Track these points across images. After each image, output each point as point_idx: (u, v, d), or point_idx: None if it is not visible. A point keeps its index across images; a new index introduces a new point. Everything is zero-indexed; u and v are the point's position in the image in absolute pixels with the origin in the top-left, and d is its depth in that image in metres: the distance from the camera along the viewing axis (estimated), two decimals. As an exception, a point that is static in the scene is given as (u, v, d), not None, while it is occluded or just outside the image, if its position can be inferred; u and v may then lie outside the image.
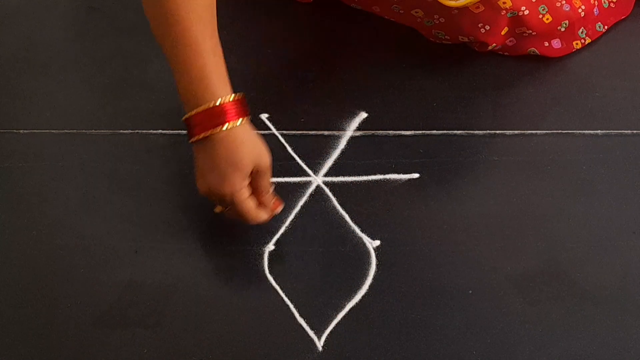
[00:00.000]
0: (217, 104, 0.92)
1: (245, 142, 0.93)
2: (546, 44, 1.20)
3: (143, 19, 1.16)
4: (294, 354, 0.92)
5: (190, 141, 0.94)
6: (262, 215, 0.97)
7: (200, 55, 0.93)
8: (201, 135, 0.93)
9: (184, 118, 0.94)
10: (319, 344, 0.93)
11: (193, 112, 0.93)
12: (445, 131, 1.13)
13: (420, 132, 1.13)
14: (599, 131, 1.13)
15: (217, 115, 0.92)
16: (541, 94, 1.18)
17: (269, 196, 0.98)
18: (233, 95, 0.93)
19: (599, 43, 1.24)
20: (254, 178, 0.95)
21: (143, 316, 0.95)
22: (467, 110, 1.15)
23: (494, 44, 1.18)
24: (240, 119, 0.93)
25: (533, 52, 1.20)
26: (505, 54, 1.21)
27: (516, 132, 1.13)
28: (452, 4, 1.10)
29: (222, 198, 0.94)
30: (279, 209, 1.00)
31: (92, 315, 0.95)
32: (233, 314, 0.95)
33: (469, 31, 1.16)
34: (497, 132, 1.13)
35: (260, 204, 0.97)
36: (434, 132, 1.13)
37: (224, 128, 0.92)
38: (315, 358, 0.92)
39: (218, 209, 1.00)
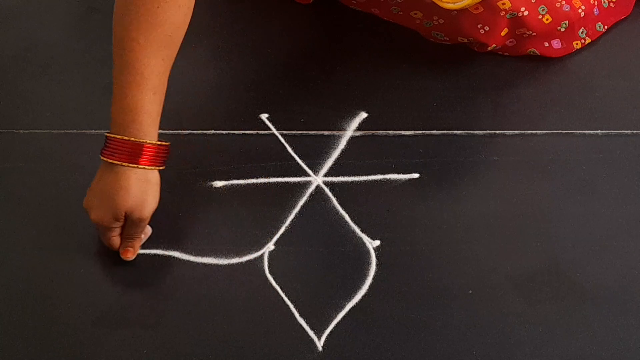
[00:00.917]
0: (140, 141, 0.94)
1: (131, 188, 0.95)
2: (546, 44, 1.20)
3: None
4: (294, 354, 0.92)
5: (101, 157, 0.96)
6: (115, 249, 0.99)
7: (140, 90, 0.94)
8: (109, 160, 0.95)
9: (107, 134, 0.96)
10: (319, 344, 0.93)
11: (115, 136, 0.95)
12: (445, 131, 1.13)
13: (420, 132, 1.13)
14: (599, 131, 1.13)
15: (133, 153, 0.94)
16: (541, 94, 1.18)
17: (130, 242, 0.99)
18: (156, 141, 0.96)
19: (599, 43, 1.24)
20: (126, 222, 0.97)
21: (143, 316, 0.95)
22: (467, 110, 1.15)
23: (494, 45, 1.18)
24: (150, 167, 0.96)
25: (533, 52, 1.20)
26: (505, 54, 1.21)
27: (516, 132, 1.13)
28: (451, 6, 1.10)
29: (93, 221, 0.98)
30: (127, 257, 0.99)
31: (92, 315, 0.95)
32: (233, 314, 0.95)
33: (468, 32, 1.16)
34: (497, 132, 1.13)
35: (121, 241, 0.99)
36: (434, 132, 1.13)
37: (131, 165, 0.95)
38: (315, 358, 0.92)
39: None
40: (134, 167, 0.95)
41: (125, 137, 0.94)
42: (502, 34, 1.16)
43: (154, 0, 0.94)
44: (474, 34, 1.16)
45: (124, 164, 0.95)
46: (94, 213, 0.97)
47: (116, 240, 0.99)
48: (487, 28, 1.15)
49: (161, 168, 0.98)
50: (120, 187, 0.95)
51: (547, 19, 1.17)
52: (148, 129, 0.95)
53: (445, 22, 1.17)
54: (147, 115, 0.95)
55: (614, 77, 1.20)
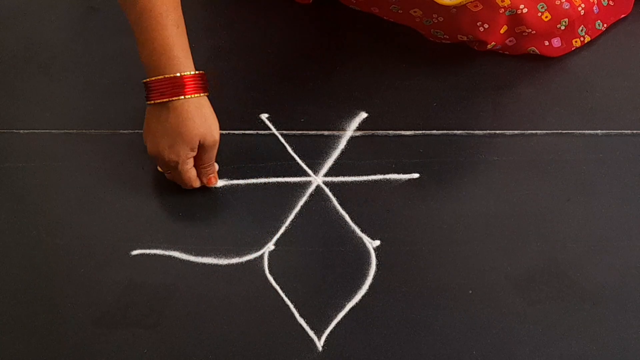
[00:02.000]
0: (178, 75, 0.98)
1: (195, 117, 1.00)
2: (546, 43, 1.20)
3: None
4: (294, 354, 0.92)
5: (147, 103, 1.01)
6: (197, 184, 1.04)
7: (164, 28, 0.98)
8: (159, 101, 0.99)
9: (144, 80, 1.00)
10: (319, 344, 0.93)
11: (154, 78, 0.99)
12: (445, 131, 1.13)
13: (420, 132, 1.13)
14: (599, 131, 1.13)
15: (177, 86, 0.99)
16: (541, 94, 1.18)
17: (210, 169, 1.05)
18: (194, 71, 1.00)
19: (599, 43, 1.24)
20: (199, 151, 1.02)
21: (143, 316, 0.95)
22: (467, 110, 1.15)
23: (493, 43, 1.18)
24: (197, 94, 1.00)
25: (533, 51, 1.20)
26: (505, 53, 1.21)
27: (516, 132, 1.13)
28: (449, 2, 1.10)
29: (167, 162, 1.01)
30: (213, 183, 1.05)
31: (92, 315, 0.95)
32: (233, 314, 0.95)
33: (467, 30, 1.16)
34: (497, 132, 1.13)
35: (200, 173, 1.04)
36: (434, 132, 1.13)
37: (181, 98, 0.99)
38: (315, 358, 0.92)
39: (160, 169, 1.06)
40: (188, 98, 0.99)
41: (168, 75, 0.98)
42: (502, 31, 1.16)
43: None
44: (473, 31, 1.16)
45: (174, 98, 0.99)
46: (170, 152, 1.00)
47: (194, 173, 1.03)
48: (486, 26, 1.15)
49: (207, 94, 1.02)
50: (186, 119, 0.99)
51: (546, 17, 1.17)
52: (185, 61, 1.00)
53: (445, 20, 1.17)
54: (180, 49, 0.99)
55: (614, 77, 1.20)
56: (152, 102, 1.00)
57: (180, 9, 1.01)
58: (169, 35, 0.98)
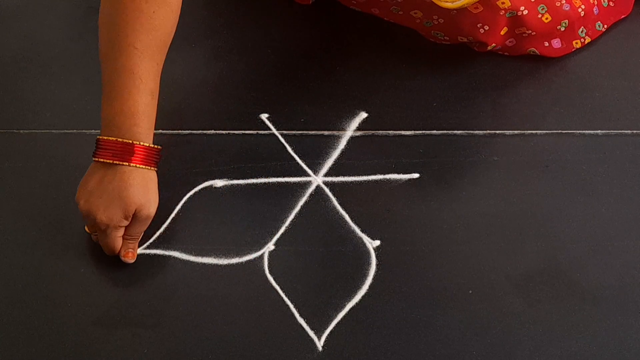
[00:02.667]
0: (134, 143, 0.95)
1: (138, 186, 0.96)
2: (546, 43, 1.20)
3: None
4: (294, 354, 0.92)
5: (94, 159, 0.97)
6: (117, 252, 0.99)
7: (139, 93, 0.95)
8: (108, 161, 0.96)
9: (99, 137, 0.97)
10: (319, 344, 0.93)
11: (110, 139, 0.96)
12: (445, 131, 1.13)
13: (420, 132, 1.13)
14: (599, 131, 1.13)
15: (129, 152, 0.95)
16: (541, 94, 1.18)
17: (132, 244, 1.00)
18: (150, 144, 0.97)
19: (599, 43, 1.24)
20: (132, 221, 0.98)
21: (143, 316, 0.95)
22: (467, 110, 1.15)
23: (494, 44, 1.18)
24: (147, 167, 0.97)
25: (533, 52, 1.20)
26: (505, 54, 1.21)
27: (516, 132, 1.13)
28: (449, 5, 1.10)
29: (98, 224, 0.97)
30: (129, 258, 0.99)
31: (92, 315, 0.95)
32: (233, 314, 0.95)
33: (468, 31, 1.17)
34: (497, 132, 1.13)
35: (122, 244, 0.99)
36: (434, 132, 1.13)
37: (130, 165, 0.95)
38: (315, 358, 0.92)
39: (88, 229, 1.01)
40: (136, 167, 0.96)
41: (123, 140, 0.95)
42: (502, 33, 1.16)
43: (150, 5, 0.94)
44: (473, 33, 1.16)
45: (123, 163, 0.95)
46: (103, 214, 0.96)
47: (119, 242, 0.99)
48: (486, 27, 1.15)
49: (156, 170, 0.99)
50: (130, 185, 0.96)
51: (546, 18, 1.17)
52: (147, 132, 0.97)
53: (445, 22, 1.17)
54: (147, 118, 0.97)
55: (614, 77, 1.20)
56: (101, 160, 0.96)
57: (158, 80, 0.98)
58: (142, 102, 0.95)
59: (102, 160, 0.96)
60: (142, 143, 0.96)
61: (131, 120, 0.95)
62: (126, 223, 0.98)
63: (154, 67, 0.96)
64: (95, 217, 0.96)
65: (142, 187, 0.97)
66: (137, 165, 0.96)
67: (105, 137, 0.96)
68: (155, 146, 0.98)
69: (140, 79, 0.95)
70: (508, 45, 1.20)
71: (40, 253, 1.01)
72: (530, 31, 1.17)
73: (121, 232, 0.98)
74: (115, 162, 0.96)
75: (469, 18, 1.14)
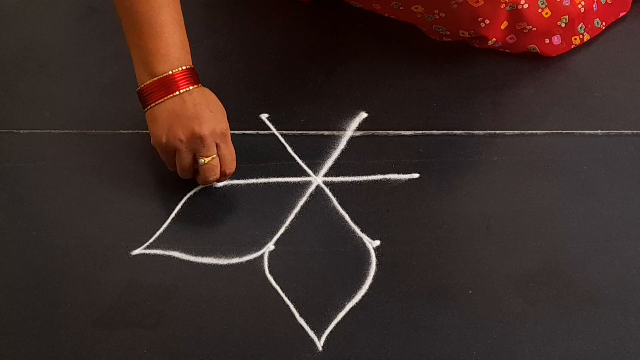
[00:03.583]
0: (177, 70, 1.01)
1: (214, 97, 1.03)
2: (547, 40, 1.20)
3: (143, 19, 1.15)
4: (294, 354, 0.92)
5: (176, 94, 1.00)
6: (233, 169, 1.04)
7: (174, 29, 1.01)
8: (183, 90, 1.00)
9: (142, 85, 1.01)
10: (319, 344, 0.93)
11: (177, 70, 1.00)
12: (445, 131, 1.13)
13: (420, 132, 1.13)
14: (599, 131, 1.13)
15: (196, 74, 1.02)
16: (541, 94, 1.18)
17: (217, 167, 1.03)
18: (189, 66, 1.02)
19: (599, 43, 1.24)
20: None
21: (143, 316, 0.95)
22: (467, 110, 1.15)
23: (494, 39, 1.18)
24: (197, 85, 1.02)
25: (533, 49, 1.20)
26: (506, 51, 1.22)
27: (516, 132, 1.13)
28: None
29: (217, 138, 1.00)
30: (210, 178, 1.03)
31: (92, 315, 0.95)
32: (233, 314, 0.95)
33: (468, 25, 1.17)
34: (497, 132, 1.13)
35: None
36: (434, 132, 1.13)
37: (190, 89, 1.00)
38: (315, 358, 0.92)
39: (203, 159, 1.01)
40: (189, 89, 1.01)
41: (187, 67, 1.01)
42: (502, 27, 1.17)
43: None
44: (474, 27, 1.17)
45: (195, 86, 1.01)
46: (218, 125, 1.00)
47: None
48: (487, 21, 1.16)
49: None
50: (213, 96, 1.03)
51: (546, 13, 1.17)
52: (183, 56, 1.02)
53: (446, 16, 1.17)
54: (174, 44, 1.01)
55: (614, 77, 1.20)
56: (179, 91, 1.00)
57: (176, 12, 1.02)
58: (167, 31, 1.00)
59: (167, 97, 0.99)
60: (180, 68, 1.00)
61: (162, 53, 0.99)
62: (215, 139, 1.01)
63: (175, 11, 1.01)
64: (220, 131, 1.00)
65: (214, 95, 1.03)
66: (192, 87, 1.00)
67: (172, 71, 1.00)
68: (191, 66, 1.02)
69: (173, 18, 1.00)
70: (509, 42, 1.20)
71: (40, 253, 1.01)
72: (530, 26, 1.17)
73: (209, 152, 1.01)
74: (188, 88, 1.00)
75: (470, 11, 1.15)
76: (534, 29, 1.18)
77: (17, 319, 0.95)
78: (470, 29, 1.17)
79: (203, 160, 1.00)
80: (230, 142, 1.02)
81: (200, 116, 0.99)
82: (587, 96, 1.17)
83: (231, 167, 1.03)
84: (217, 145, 1.01)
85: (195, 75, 1.02)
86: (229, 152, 1.02)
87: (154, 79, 1.00)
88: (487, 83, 1.19)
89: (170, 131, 1.00)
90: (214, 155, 1.01)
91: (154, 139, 1.02)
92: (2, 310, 0.96)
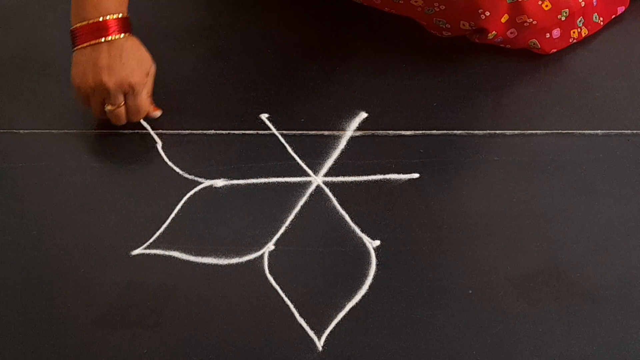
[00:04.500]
0: (110, 17, 1.05)
1: (141, 47, 1.08)
2: (547, 35, 1.20)
3: (142, 20, 1.16)
4: (294, 354, 0.92)
5: (80, 46, 1.06)
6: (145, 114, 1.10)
7: None
8: (115, 36, 1.05)
9: (97, 19, 1.05)
10: (319, 344, 0.93)
11: (108, 18, 1.05)
12: (445, 131, 1.13)
13: (420, 132, 1.13)
14: (599, 131, 1.13)
15: (105, 28, 1.05)
16: (541, 94, 1.18)
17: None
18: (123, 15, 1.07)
19: (599, 43, 1.24)
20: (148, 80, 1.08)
21: (143, 316, 0.95)
22: (467, 110, 1.15)
23: (494, 32, 1.17)
24: (127, 34, 1.06)
25: (534, 44, 1.20)
26: (507, 46, 1.21)
27: (516, 132, 1.13)
28: None
29: (124, 90, 1.06)
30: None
31: (92, 315, 0.95)
32: (233, 314, 0.95)
33: (469, 16, 1.17)
34: (497, 132, 1.13)
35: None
36: (434, 132, 1.13)
37: (119, 37, 1.05)
38: (315, 358, 0.92)
39: (108, 107, 1.08)
40: (119, 37, 1.05)
41: (120, 16, 1.06)
42: (503, 20, 1.17)
43: None
44: (474, 18, 1.16)
45: (126, 34, 1.06)
46: (133, 77, 1.06)
47: (148, 101, 1.10)
48: (487, 13, 1.16)
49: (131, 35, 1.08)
50: (141, 49, 1.08)
51: (546, 6, 1.17)
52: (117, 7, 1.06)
53: (447, 9, 1.17)
54: None
55: (614, 77, 1.20)
56: (111, 37, 1.04)
57: None
58: None
59: (92, 42, 1.04)
60: (110, 16, 1.05)
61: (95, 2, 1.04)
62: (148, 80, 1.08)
63: None
64: (128, 84, 1.05)
65: (142, 48, 1.08)
66: (119, 36, 1.05)
67: (110, 17, 1.05)
68: (124, 15, 1.06)
69: None
70: (509, 36, 1.20)
71: (40, 253, 1.01)
72: (531, 19, 1.17)
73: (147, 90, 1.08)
74: (118, 36, 1.05)
75: (470, 3, 1.15)
76: (535, 22, 1.17)
77: (17, 319, 0.95)
78: (471, 20, 1.17)
79: (108, 108, 1.07)
80: (139, 94, 1.07)
81: (111, 67, 1.04)
82: (587, 96, 1.17)
83: (137, 117, 1.09)
84: (125, 96, 1.07)
85: (127, 25, 1.07)
86: (134, 104, 1.08)
87: (83, 23, 1.05)
88: (487, 83, 1.19)
89: (84, 78, 1.06)
90: (120, 104, 1.07)
91: (72, 81, 1.08)
92: (2, 310, 0.96)
